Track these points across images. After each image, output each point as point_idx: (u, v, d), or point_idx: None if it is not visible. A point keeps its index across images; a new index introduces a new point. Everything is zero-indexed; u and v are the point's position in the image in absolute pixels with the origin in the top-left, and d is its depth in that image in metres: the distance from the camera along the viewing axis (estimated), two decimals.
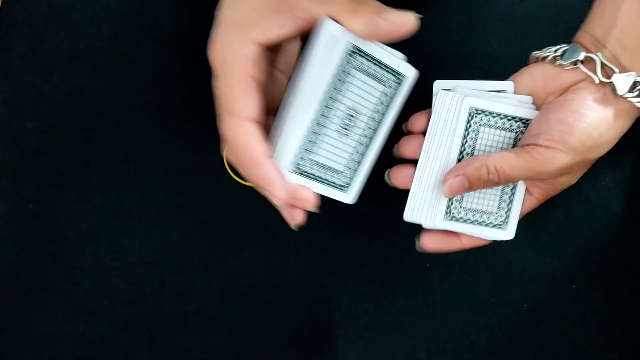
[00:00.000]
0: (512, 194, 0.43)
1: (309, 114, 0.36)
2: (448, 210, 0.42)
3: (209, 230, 0.50)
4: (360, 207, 0.50)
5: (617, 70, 0.39)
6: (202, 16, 0.53)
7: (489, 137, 0.42)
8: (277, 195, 0.36)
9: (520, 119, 0.42)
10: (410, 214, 0.42)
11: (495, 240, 0.48)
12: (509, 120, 0.42)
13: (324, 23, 0.34)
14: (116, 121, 0.52)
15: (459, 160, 0.41)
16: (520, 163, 0.39)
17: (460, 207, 0.42)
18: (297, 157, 0.36)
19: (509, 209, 0.43)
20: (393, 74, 0.38)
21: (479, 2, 0.54)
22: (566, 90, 0.41)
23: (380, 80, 0.38)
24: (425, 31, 0.54)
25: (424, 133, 0.42)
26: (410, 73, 0.39)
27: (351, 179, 0.39)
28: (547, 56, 0.42)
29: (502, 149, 0.42)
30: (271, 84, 0.38)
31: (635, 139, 0.51)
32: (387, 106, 0.39)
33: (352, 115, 0.38)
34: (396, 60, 0.38)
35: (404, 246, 0.49)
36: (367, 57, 0.37)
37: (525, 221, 0.50)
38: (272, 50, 0.37)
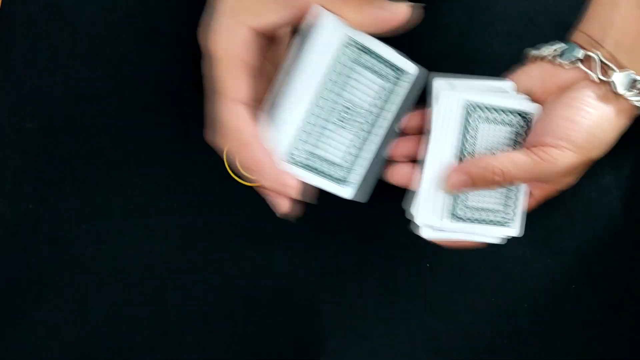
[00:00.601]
0: (518, 190, 0.42)
1: (303, 104, 0.36)
2: (454, 210, 0.42)
3: (209, 230, 0.50)
4: (360, 207, 0.50)
5: (616, 68, 0.39)
6: (202, 16, 0.53)
7: (489, 132, 0.41)
8: (265, 176, 0.36)
9: (519, 113, 0.42)
10: (416, 216, 0.41)
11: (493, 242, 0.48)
12: (507, 115, 0.42)
13: (319, 13, 0.34)
14: (116, 121, 0.52)
15: (460, 160, 0.41)
16: (527, 165, 0.39)
17: (465, 207, 0.42)
18: (292, 146, 0.36)
19: (516, 206, 0.42)
20: (392, 69, 0.38)
21: (479, 1, 0.54)
22: (566, 89, 0.41)
23: (378, 74, 0.37)
24: (425, 30, 0.54)
25: (418, 133, 0.42)
26: (410, 69, 0.39)
27: (349, 172, 0.39)
28: (545, 55, 0.42)
29: (503, 144, 0.42)
30: (259, 74, 0.38)
31: (635, 139, 0.51)
32: (387, 101, 0.39)
33: (348, 108, 0.37)
34: (394, 54, 0.38)
35: (404, 246, 0.49)
36: (364, 49, 0.36)
37: (525, 221, 0.50)
38: (265, 39, 0.37)
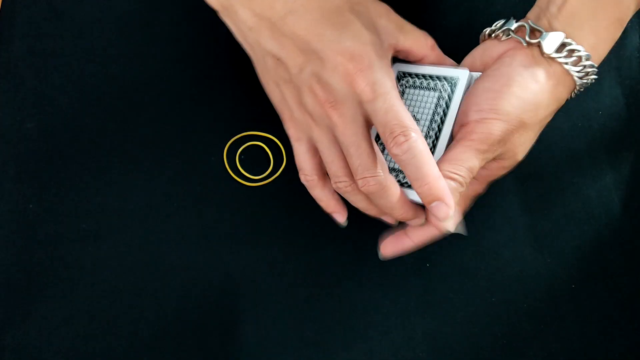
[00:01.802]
0: (432, 152, 0.42)
1: (373, 132, 0.42)
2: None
3: (209, 230, 0.50)
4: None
5: (544, 30, 0.40)
6: (202, 17, 0.53)
7: (413, 97, 0.43)
8: (450, 205, 0.38)
9: (445, 78, 0.43)
10: None
11: (493, 240, 0.48)
12: (433, 80, 0.43)
13: None
14: (116, 121, 0.52)
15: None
16: (468, 153, 0.39)
17: (390, 168, 0.43)
18: None
19: None
20: (445, 81, 0.42)
21: (478, 2, 0.54)
22: (496, 59, 0.41)
23: (433, 89, 0.43)
24: (425, 30, 0.54)
25: None
26: (462, 74, 0.42)
27: None
28: (487, 32, 0.43)
29: (426, 108, 0.43)
30: None
31: (635, 139, 0.51)
32: (447, 107, 0.42)
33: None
34: (443, 68, 0.43)
35: None
36: (415, 76, 0.44)
37: (525, 221, 0.50)
38: None
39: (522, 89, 0.39)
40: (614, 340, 0.48)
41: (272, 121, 0.50)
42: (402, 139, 0.38)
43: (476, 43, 0.45)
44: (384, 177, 0.40)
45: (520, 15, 0.43)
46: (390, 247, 0.44)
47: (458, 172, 0.39)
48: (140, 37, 0.54)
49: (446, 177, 0.39)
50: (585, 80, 0.41)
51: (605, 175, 0.50)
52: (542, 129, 0.42)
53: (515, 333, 0.48)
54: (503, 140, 0.39)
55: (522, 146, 0.41)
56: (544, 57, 0.40)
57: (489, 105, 0.39)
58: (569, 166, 0.50)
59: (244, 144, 0.51)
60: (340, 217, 0.46)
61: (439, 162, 0.39)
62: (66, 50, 0.53)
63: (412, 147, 0.38)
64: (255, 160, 0.51)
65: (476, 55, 0.43)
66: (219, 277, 0.49)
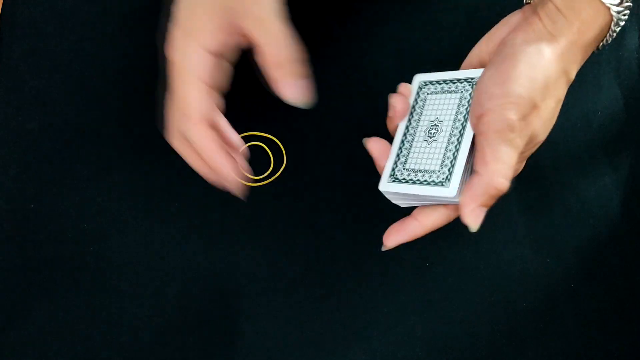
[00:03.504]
0: (457, 150, 0.42)
1: (397, 139, 0.45)
2: (392, 173, 0.43)
3: (209, 230, 0.50)
4: (359, 207, 0.50)
5: None
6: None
7: (435, 102, 0.44)
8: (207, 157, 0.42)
9: (465, 79, 0.43)
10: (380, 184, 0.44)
11: (493, 240, 0.48)
12: (454, 83, 0.44)
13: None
14: (116, 121, 0.52)
15: (406, 128, 0.44)
16: (500, 150, 0.38)
17: (404, 169, 0.43)
18: (393, 170, 0.43)
19: (452, 166, 0.42)
20: (465, 82, 0.43)
21: (477, 2, 0.54)
22: (499, 44, 0.41)
23: (454, 92, 0.44)
24: (424, 31, 0.54)
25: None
26: (481, 73, 0.42)
27: (450, 174, 0.41)
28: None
29: (448, 110, 0.43)
30: (220, 72, 0.43)
31: (634, 139, 0.52)
32: (470, 105, 0.42)
33: (435, 125, 0.43)
34: (462, 71, 0.44)
35: (404, 245, 0.49)
36: (436, 82, 0.45)
37: (525, 221, 0.50)
38: (215, 56, 0.42)
39: (529, 66, 0.38)
40: (612, 340, 0.48)
41: (272, 121, 0.51)
42: None
43: (474, 43, 0.45)
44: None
45: None
46: (394, 235, 0.42)
47: (505, 172, 0.38)
48: (140, 37, 0.54)
49: (498, 184, 0.38)
50: (623, 16, 0.40)
51: (605, 175, 0.50)
52: (559, 104, 0.41)
53: (515, 333, 0.48)
54: (524, 122, 0.39)
55: (542, 127, 0.40)
56: (542, 23, 0.39)
57: (500, 90, 0.38)
58: (569, 166, 0.50)
59: (244, 144, 0.51)
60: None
61: (479, 168, 0.39)
62: (66, 50, 0.53)
63: None
64: (255, 160, 0.51)
65: (482, 45, 0.43)
66: (219, 277, 0.49)
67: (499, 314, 0.48)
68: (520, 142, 0.39)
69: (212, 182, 0.43)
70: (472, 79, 0.43)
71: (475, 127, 0.40)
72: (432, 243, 0.49)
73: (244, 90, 0.48)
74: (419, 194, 0.42)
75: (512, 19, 0.43)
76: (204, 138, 0.41)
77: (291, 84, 0.42)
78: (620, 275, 0.49)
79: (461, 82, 0.44)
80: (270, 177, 0.51)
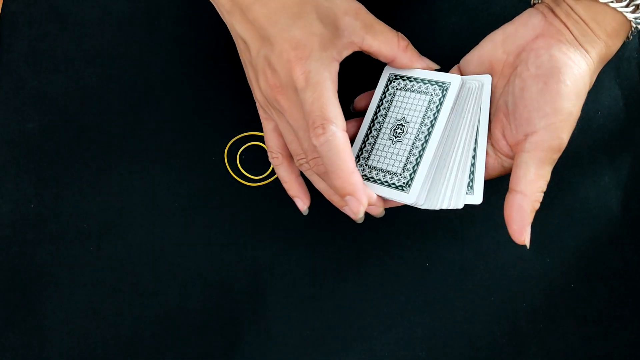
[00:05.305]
0: (420, 155, 0.42)
1: (362, 132, 0.44)
2: (359, 166, 0.43)
3: (209, 230, 0.50)
4: None
5: None
6: (202, 17, 0.53)
7: (404, 99, 0.43)
8: (363, 202, 0.40)
9: (436, 82, 0.43)
10: None
11: (493, 240, 0.48)
12: (424, 84, 0.43)
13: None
14: (116, 121, 0.52)
15: (372, 121, 0.44)
16: (545, 168, 0.39)
17: (366, 164, 0.43)
18: (356, 163, 0.42)
19: (414, 172, 0.41)
20: (437, 85, 0.43)
21: (477, 3, 0.54)
22: (524, 49, 0.40)
23: (424, 93, 0.43)
24: (425, 30, 0.54)
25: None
26: (454, 79, 0.42)
27: (411, 179, 0.41)
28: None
29: (416, 111, 0.43)
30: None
31: (634, 139, 0.51)
32: (438, 111, 0.42)
33: (402, 125, 0.43)
34: (435, 73, 0.43)
35: (404, 245, 0.49)
36: (407, 78, 0.44)
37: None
38: None
39: (573, 80, 0.38)
40: (612, 340, 0.48)
41: None
42: (320, 131, 0.39)
43: (474, 43, 0.44)
44: None
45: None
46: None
47: (544, 187, 0.39)
48: (140, 37, 0.54)
49: (539, 199, 0.39)
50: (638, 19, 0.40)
51: (604, 175, 0.50)
52: None
53: (515, 332, 0.48)
54: (562, 135, 0.39)
55: (569, 136, 0.40)
56: (572, 35, 0.39)
57: (552, 107, 0.38)
58: (569, 166, 0.50)
59: (244, 144, 0.51)
60: (302, 203, 0.46)
61: (524, 188, 0.39)
62: (66, 50, 0.53)
63: (329, 140, 0.39)
64: (255, 160, 0.51)
65: (497, 40, 0.42)
66: (219, 277, 0.49)
67: (498, 313, 0.48)
68: (551, 160, 0.40)
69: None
70: (443, 83, 0.42)
71: (519, 145, 0.40)
72: (432, 243, 0.49)
73: (243, 90, 0.48)
74: (379, 194, 0.42)
75: (532, 20, 0.41)
76: (340, 146, 0.40)
77: (418, 60, 0.44)
78: (620, 275, 0.49)
79: (432, 85, 0.43)
80: (270, 177, 0.51)
